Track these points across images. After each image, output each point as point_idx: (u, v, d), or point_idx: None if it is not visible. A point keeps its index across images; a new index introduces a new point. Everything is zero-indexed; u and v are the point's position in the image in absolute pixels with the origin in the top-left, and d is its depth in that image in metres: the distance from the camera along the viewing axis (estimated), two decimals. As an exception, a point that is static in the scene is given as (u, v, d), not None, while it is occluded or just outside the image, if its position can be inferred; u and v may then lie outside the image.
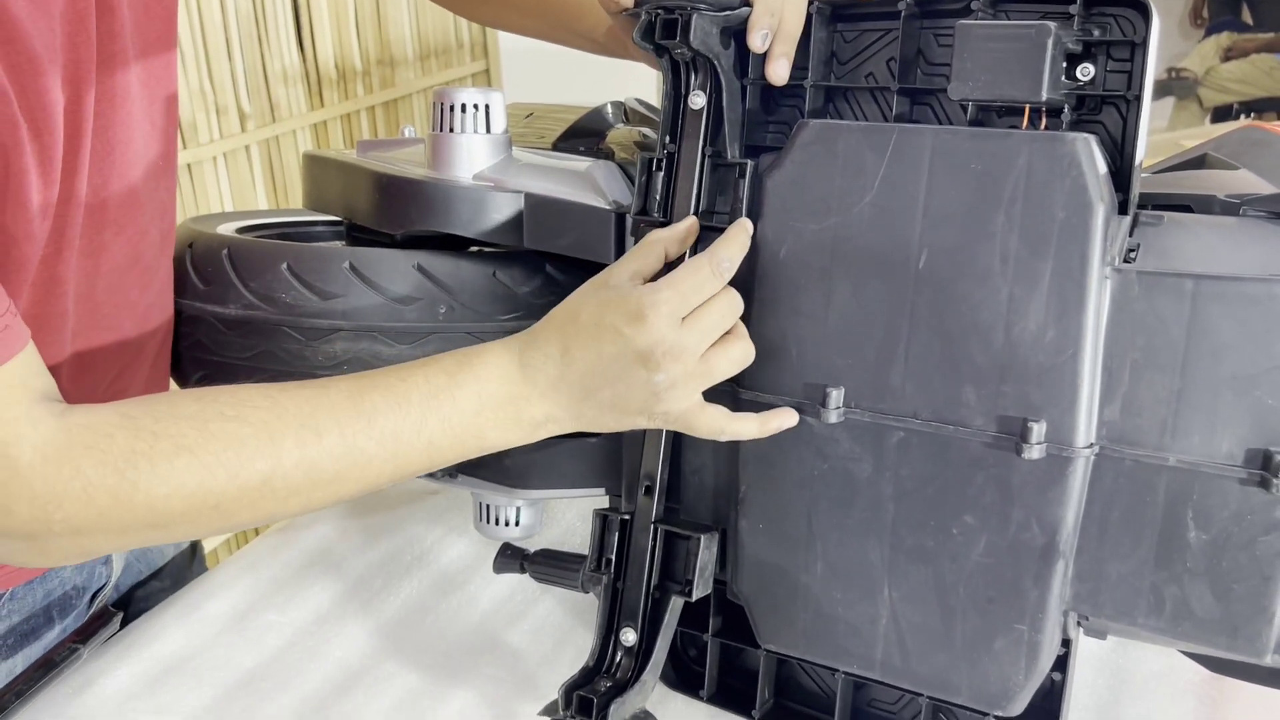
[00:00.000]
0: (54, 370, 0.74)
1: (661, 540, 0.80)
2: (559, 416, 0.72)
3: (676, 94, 0.77)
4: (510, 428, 0.72)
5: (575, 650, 0.96)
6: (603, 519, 0.82)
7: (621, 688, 0.79)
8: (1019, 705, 0.73)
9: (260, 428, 0.66)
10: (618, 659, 0.80)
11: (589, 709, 0.77)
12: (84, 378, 0.77)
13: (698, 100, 0.76)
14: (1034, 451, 0.67)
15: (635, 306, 0.69)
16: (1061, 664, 0.74)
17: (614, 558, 0.81)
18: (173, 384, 0.90)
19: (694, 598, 0.79)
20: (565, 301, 0.73)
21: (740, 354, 0.73)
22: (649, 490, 0.80)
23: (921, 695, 0.79)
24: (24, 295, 0.71)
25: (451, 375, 0.70)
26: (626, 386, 0.70)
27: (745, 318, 0.74)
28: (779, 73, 0.75)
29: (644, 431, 0.80)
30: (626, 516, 0.81)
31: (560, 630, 0.99)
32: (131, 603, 1.03)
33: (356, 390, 0.69)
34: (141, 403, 0.66)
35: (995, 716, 0.76)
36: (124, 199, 0.75)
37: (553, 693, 0.89)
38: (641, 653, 0.80)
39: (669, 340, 0.69)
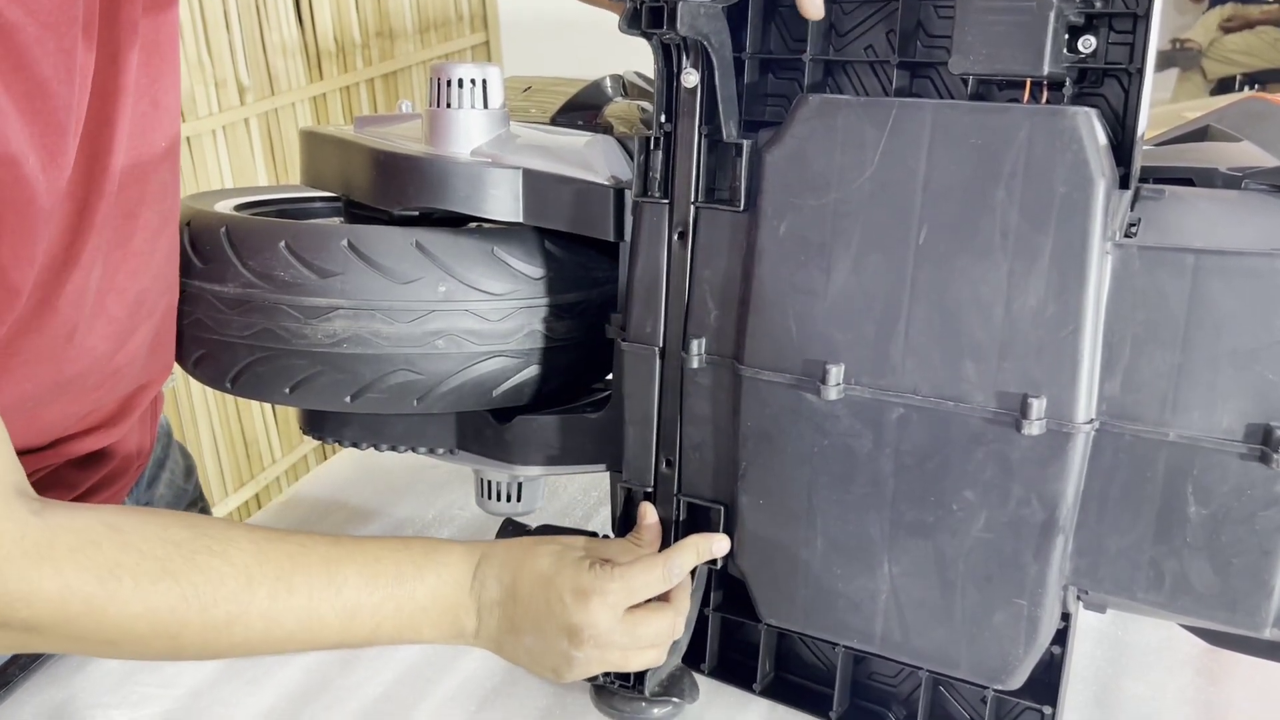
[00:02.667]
0: (46, 359, 0.73)
1: (685, 511, 0.82)
2: (484, 636, 0.76)
3: (669, 72, 0.76)
4: (444, 629, 0.75)
5: (577, 625, 0.96)
6: (626, 492, 0.84)
7: None
8: (1019, 679, 0.74)
9: (241, 570, 0.67)
10: None
11: (626, 675, 0.81)
12: (79, 360, 0.77)
13: (690, 79, 0.75)
14: (1034, 427, 0.67)
15: (586, 584, 0.73)
16: (1061, 638, 0.74)
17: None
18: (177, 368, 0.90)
19: (719, 565, 0.81)
20: (537, 541, 0.78)
21: (656, 657, 0.78)
22: (670, 464, 0.82)
23: (921, 669, 0.79)
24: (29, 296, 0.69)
25: (418, 567, 0.74)
26: (546, 645, 0.74)
27: (744, 295, 0.74)
28: (815, 5, 0.72)
29: (655, 410, 0.81)
30: (649, 490, 0.83)
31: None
32: None
33: (334, 558, 0.71)
34: (130, 515, 0.66)
35: (995, 690, 0.77)
36: (123, 184, 0.73)
37: (554, 667, 0.89)
38: None
39: (600, 628, 0.73)
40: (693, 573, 0.82)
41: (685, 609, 0.79)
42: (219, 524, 0.70)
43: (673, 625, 0.77)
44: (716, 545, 0.80)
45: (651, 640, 0.76)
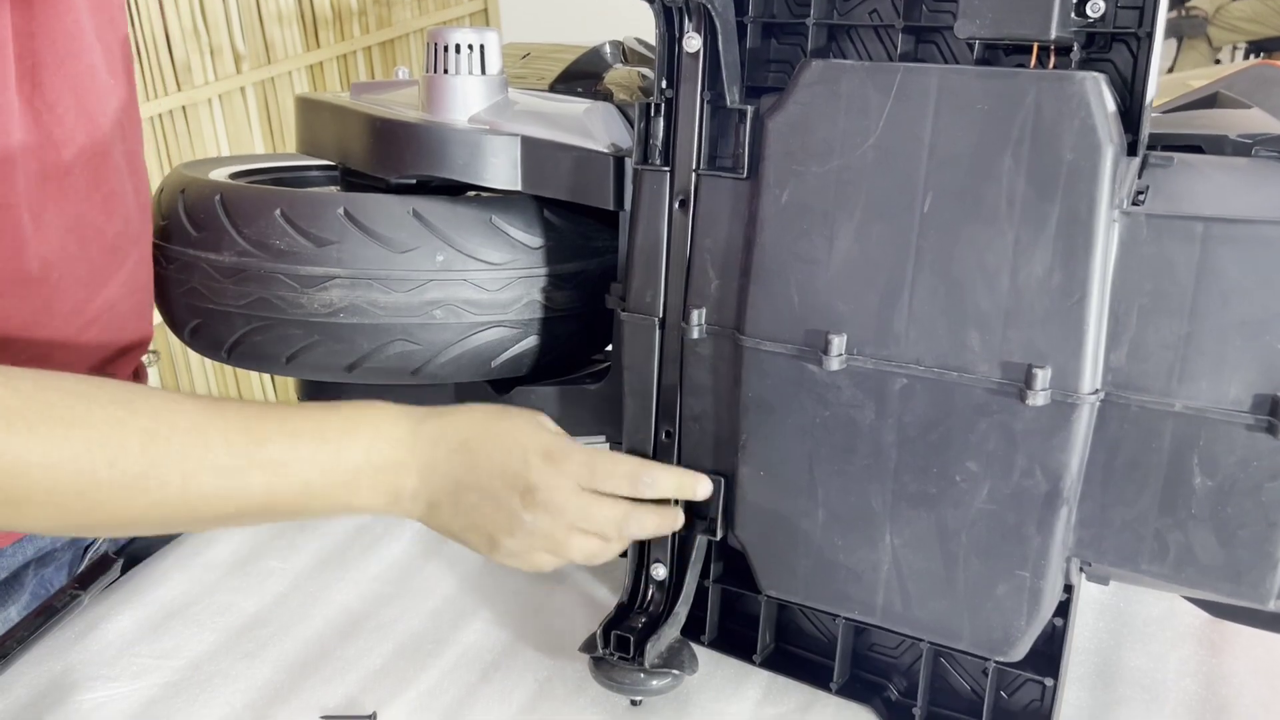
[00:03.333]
0: (20, 297, 0.72)
1: None
2: (421, 498, 0.71)
3: (671, 37, 0.75)
4: (382, 493, 0.70)
5: (576, 594, 0.96)
6: None
7: (654, 622, 0.81)
8: (1020, 651, 0.73)
9: (149, 419, 0.62)
10: (649, 594, 0.84)
11: (626, 646, 0.80)
12: (56, 304, 0.75)
13: (693, 43, 0.74)
14: (1038, 398, 0.67)
15: (554, 447, 0.71)
16: (1063, 609, 0.74)
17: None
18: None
19: (719, 535, 0.81)
20: (494, 407, 0.75)
21: (596, 551, 0.74)
22: (669, 435, 0.81)
23: (922, 641, 0.79)
24: None
25: (348, 422, 0.69)
26: (495, 505, 0.71)
27: (746, 264, 0.73)
28: None
29: (654, 381, 0.80)
30: None
31: (561, 575, 0.99)
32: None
33: (253, 414, 0.66)
34: (19, 369, 0.61)
35: (996, 662, 0.76)
36: (76, 121, 0.72)
37: (551, 636, 0.90)
38: (672, 587, 0.82)
39: (557, 493, 0.71)
40: (692, 542, 0.81)
41: (646, 521, 0.75)
42: (122, 382, 0.65)
43: (625, 519, 0.74)
44: (700, 487, 0.77)
45: (600, 527, 0.73)
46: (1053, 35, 0.65)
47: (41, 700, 0.84)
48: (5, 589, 0.89)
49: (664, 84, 0.76)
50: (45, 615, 0.89)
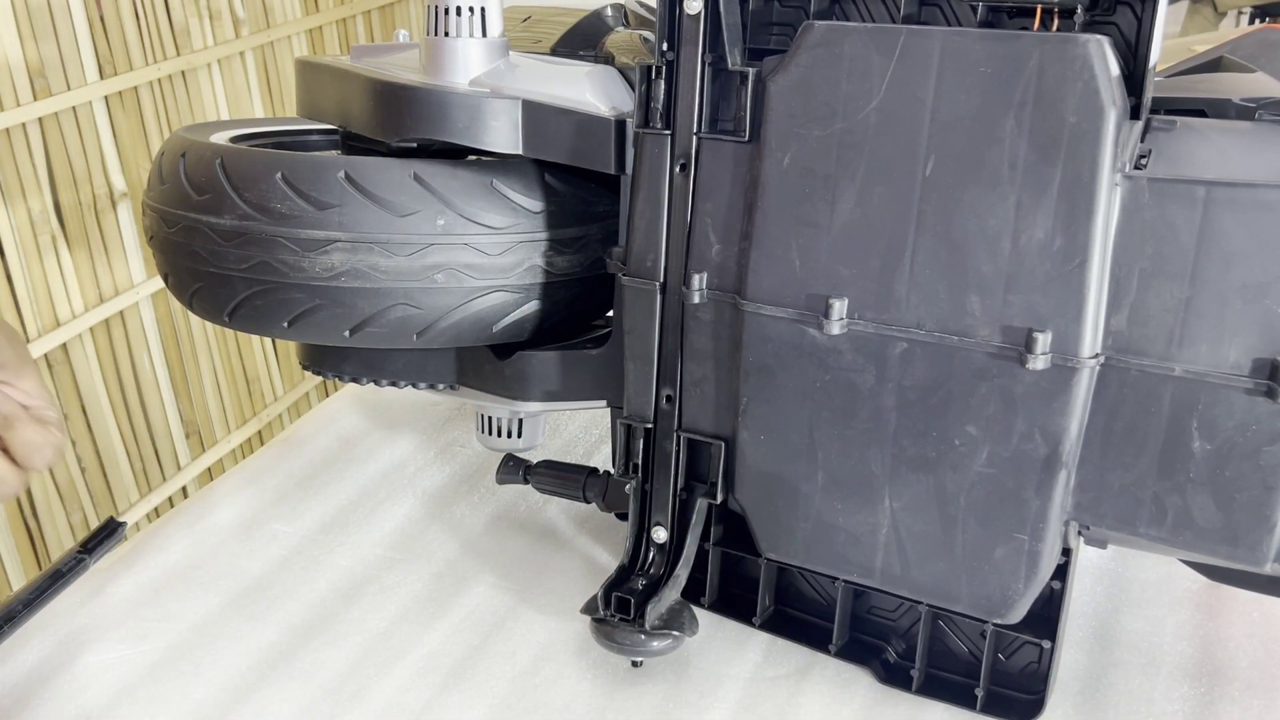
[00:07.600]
0: None
1: (685, 446, 0.82)
2: None
3: None
4: None
5: (577, 557, 0.97)
6: (627, 429, 0.84)
7: (655, 585, 0.82)
8: (1018, 613, 0.74)
9: None
10: (650, 557, 0.84)
11: (627, 608, 0.81)
12: None
13: (694, 5, 0.73)
14: (1039, 362, 0.67)
15: None
16: (1061, 573, 0.75)
17: (640, 463, 0.84)
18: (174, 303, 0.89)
19: (719, 499, 0.81)
20: None
21: None
22: (670, 400, 0.82)
23: (921, 603, 0.79)
24: None
25: None
26: None
27: (747, 228, 0.73)
28: None
29: (655, 346, 0.80)
30: (650, 425, 0.83)
31: (562, 538, 1.00)
32: None
33: None
34: None
35: (994, 624, 0.77)
36: None
37: (552, 599, 0.90)
38: (672, 550, 0.83)
39: None
40: (692, 505, 0.82)
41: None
42: None
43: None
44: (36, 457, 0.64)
45: None
46: (1056, -3, 0.65)
47: (48, 663, 0.84)
48: None
49: (665, 46, 0.76)
50: (51, 579, 0.89)
